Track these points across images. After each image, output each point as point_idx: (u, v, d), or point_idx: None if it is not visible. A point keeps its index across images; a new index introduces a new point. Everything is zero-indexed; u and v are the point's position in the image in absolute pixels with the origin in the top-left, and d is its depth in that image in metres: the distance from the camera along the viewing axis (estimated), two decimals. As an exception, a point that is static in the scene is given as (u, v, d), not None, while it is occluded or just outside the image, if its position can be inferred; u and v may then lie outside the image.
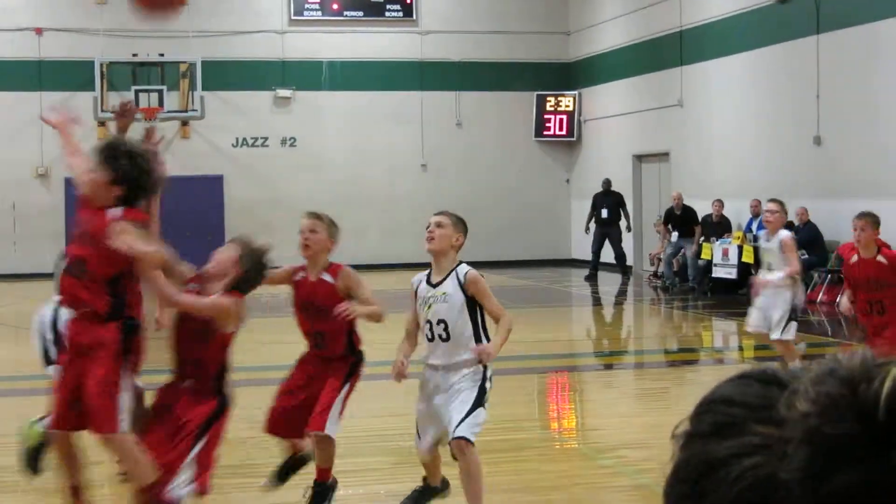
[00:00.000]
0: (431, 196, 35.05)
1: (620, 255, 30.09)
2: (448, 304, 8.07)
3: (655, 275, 29.12)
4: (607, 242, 30.21)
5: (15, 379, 15.73)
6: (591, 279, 29.86)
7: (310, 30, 35.42)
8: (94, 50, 33.55)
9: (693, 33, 29.18)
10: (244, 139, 35.39)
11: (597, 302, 26.52)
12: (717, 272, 25.45)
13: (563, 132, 36.14)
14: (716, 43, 28.16)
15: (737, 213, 26.55)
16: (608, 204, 30.36)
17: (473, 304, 8.10)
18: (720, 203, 26.65)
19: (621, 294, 27.86)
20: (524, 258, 35.13)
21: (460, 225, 8.41)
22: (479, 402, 8.00)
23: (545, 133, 36.24)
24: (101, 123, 33.85)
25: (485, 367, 8.09)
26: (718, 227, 26.46)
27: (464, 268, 8.22)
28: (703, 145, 28.69)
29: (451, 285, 8.12)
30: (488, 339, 8.10)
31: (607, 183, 30.85)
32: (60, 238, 33.55)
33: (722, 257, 25.25)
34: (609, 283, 29.54)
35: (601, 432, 11.80)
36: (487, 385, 8.08)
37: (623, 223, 30.31)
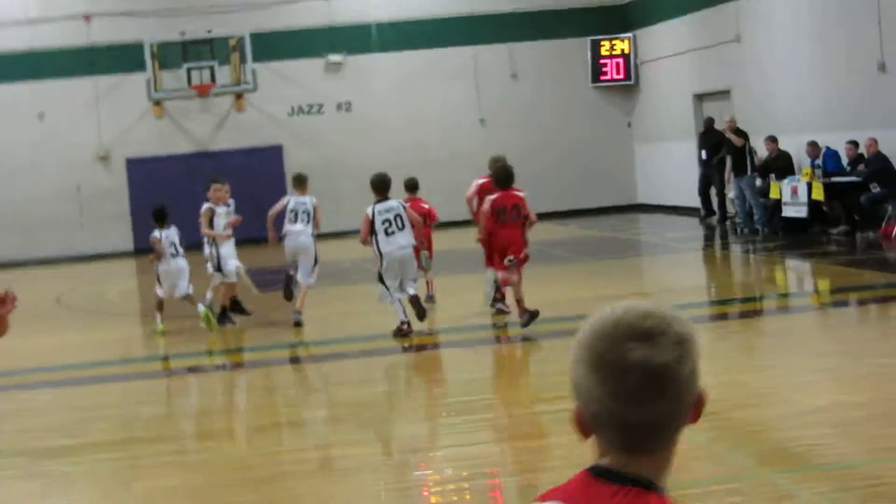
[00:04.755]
0: (491, 151, 34.67)
1: (721, 197, 29.09)
2: None
3: (724, 218, 28.63)
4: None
5: (83, 367, 15.55)
6: (705, 221, 29.12)
7: (356, -8, 35.18)
8: (143, 31, 33.47)
9: (746, -35, 28.60)
10: (299, 107, 35.25)
11: (664, 249, 25.97)
12: (787, 211, 24.78)
13: (621, 76, 35.63)
14: (770, -26, 27.57)
15: (801, 148, 25.87)
16: (709, 144, 29.20)
17: None
18: (772, 140, 26.00)
19: (693, 240, 27.23)
20: (589, 206, 34.76)
21: None
22: None
23: (602, 78, 35.75)
24: (157, 103, 33.88)
25: None
26: (776, 163, 25.77)
27: None
28: (763, 80, 28.06)
29: None
30: None
31: (708, 122, 29.70)
32: (126, 218, 33.72)
33: (791, 196, 24.63)
34: (679, 228, 29.03)
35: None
36: None
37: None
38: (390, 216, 15.44)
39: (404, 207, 15.77)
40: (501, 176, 15.56)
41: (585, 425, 2.54)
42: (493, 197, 15.29)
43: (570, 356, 2.55)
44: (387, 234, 15.38)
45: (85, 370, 15.37)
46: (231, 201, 18.02)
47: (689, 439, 9.16)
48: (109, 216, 33.87)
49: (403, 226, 15.50)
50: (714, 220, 29.14)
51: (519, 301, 15.04)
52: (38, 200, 33.89)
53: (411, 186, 18.03)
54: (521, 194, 15.35)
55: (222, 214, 17.64)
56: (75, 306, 22.87)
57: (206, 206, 17.63)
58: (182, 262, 17.81)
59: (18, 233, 33.48)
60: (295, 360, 15.64)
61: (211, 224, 17.54)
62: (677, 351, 2.48)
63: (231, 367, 15.56)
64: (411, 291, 15.49)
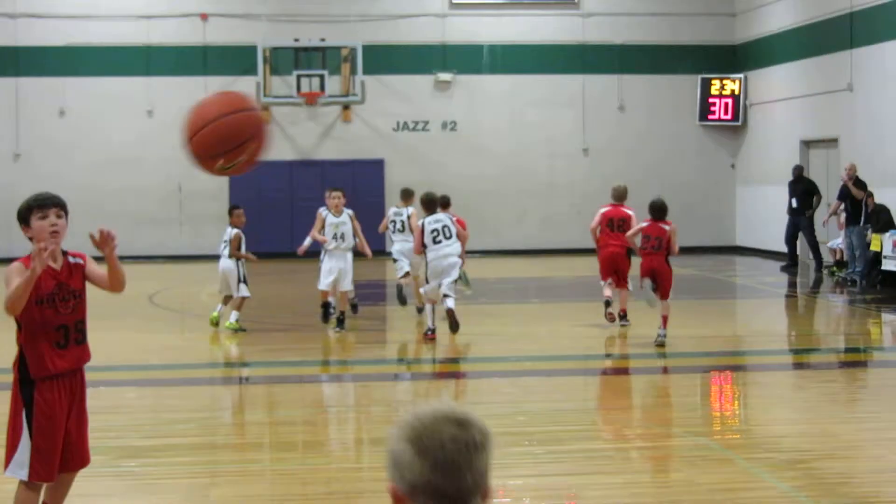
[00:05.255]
0: (593, 180, 34.61)
1: (813, 246, 28.99)
2: None
3: (820, 266, 28.34)
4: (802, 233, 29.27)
5: (170, 367, 15.65)
6: (788, 270, 28.99)
7: (471, 13, 35.22)
8: (257, 35, 33.80)
9: (864, 14, 28.24)
10: (405, 123, 35.32)
11: (760, 294, 25.71)
12: (887, 265, 24.48)
13: (728, 116, 35.35)
14: (888, 24, 27.20)
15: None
16: (798, 192, 29.24)
17: None
18: (869, 193, 25.67)
19: (791, 286, 26.92)
20: (687, 245, 34.39)
21: None
22: None
23: (710, 117, 35.49)
24: (265, 108, 34.09)
25: None
26: (876, 216, 25.40)
27: None
28: (872, 131, 27.71)
29: None
30: None
31: (797, 170, 29.60)
32: (224, 220, 33.90)
33: (892, 249, 24.29)
34: (776, 273, 28.80)
35: (767, 439, 11.27)
36: None
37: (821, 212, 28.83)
38: (438, 227, 17.54)
39: (452, 220, 17.78)
40: (655, 207, 17.29)
41: (401, 498, 3.11)
42: (643, 225, 17.26)
43: (391, 441, 3.14)
44: (434, 242, 17.48)
45: (172, 371, 15.48)
46: (345, 212, 18.68)
47: (774, 486, 9.04)
48: (208, 217, 34.07)
49: (451, 236, 17.56)
50: (795, 270, 28.94)
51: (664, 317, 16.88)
52: (139, 196, 34.25)
53: (445, 203, 19.04)
54: (667, 228, 17.01)
55: (333, 224, 18.47)
56: (167, 306, 23.04)
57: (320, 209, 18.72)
58: (221, 263, 18.86)
59: (116, 226, 33.58)
60: (390, 377, 15.62)
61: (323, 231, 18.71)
62: (481, 437, 3.13)
63: (324, 379, 15.58)
64: (450, 304, 17.44)
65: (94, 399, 7.79)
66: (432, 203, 18.00)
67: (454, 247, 17.56)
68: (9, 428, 7.26)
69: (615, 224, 18.74)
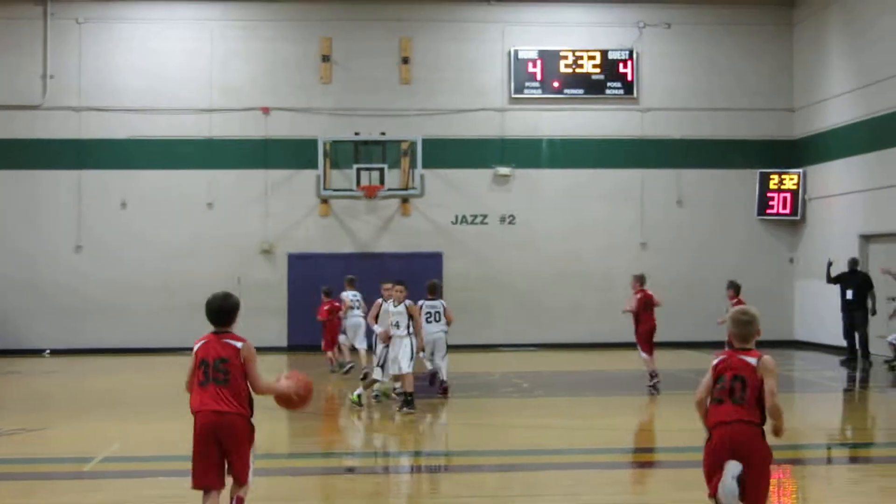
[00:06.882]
0: (650, 275, 34.54)
1: (863, 341, 28.80)
2: None
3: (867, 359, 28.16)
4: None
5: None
6: (847, 364, 28.76)
7: (530, 108, 35.47)
8: (318, 129, 34.17)
9: (923, 109, 28.24)
10: (463, 216, 35.49)
11: (820, 388, 25.48)
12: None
13: (787, 211, 35.32)
14: (948, 119, 27.17)
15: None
16: (853, 285, 29.01)
17: None
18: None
19: (850, 381, 26.68)
20: (746, 339, 34.25)
21: None
22: None
23: (768, 212, 35.46)
24: (324, 201, 34.39)
25: None
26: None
27: None
28: (935, 226, 27.57)
29: None
30: None
31: (853, 262, 29.42)
32: (283, 313, 34.12)
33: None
34: (835, 367, 28.56)
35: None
36: None
37: (870, 305, 28.98)
38: (432, 310, 22.13)
39: (444, 307, 22.31)
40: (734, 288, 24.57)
41: (730, 337, 9.58)
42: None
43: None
44: (426, 321, 21.79)
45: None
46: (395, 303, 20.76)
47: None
48: (267, 310, 34.24)
49: (440, 319, 22.13)
50: (855, 364, 28.68)
51: None
52: (196, 288, 34.32)
53: (433, 290, 22.55)
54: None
55: (391, 312, 20.74)
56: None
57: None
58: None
59: (175, 317, 34.01)
60: (443, 469, 15.58)
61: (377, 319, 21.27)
62: (750, 318, 9.57)
63: (378, 470, 15.53)
64: (443, 376, 22.22)
65: (159, 489, 7.85)
66: (434, 291, 22.43)
67: (441, 326, 22.12)
68: (246, 455, 9.88)
69: (650, 306, 23.70)
